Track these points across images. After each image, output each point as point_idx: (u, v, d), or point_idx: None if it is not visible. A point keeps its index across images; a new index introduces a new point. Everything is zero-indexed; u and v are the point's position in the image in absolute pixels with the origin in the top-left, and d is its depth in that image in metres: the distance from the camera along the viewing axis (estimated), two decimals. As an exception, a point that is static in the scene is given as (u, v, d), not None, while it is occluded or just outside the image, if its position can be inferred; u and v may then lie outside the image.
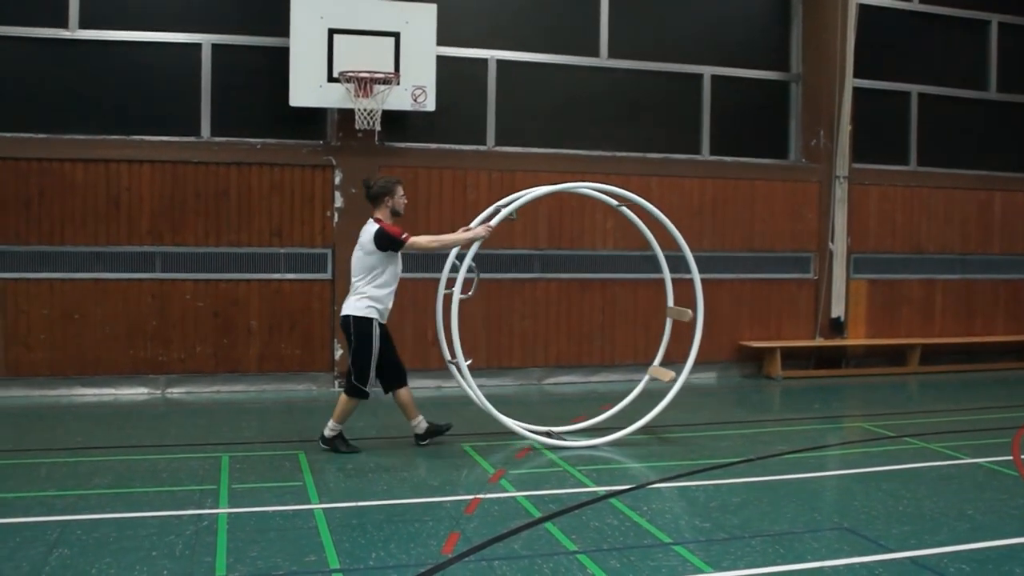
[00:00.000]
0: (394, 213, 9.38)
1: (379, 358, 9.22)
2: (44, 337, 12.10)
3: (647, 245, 13.67)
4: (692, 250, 13.89)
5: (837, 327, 14.78)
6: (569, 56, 13.99)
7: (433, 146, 13.21)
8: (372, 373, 9.22)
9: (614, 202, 10.48)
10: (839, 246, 14.71)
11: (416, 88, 12.51)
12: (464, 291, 9.53)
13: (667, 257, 10.85)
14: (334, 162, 12.75)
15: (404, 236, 9.11)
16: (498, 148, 13.56)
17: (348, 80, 12.15)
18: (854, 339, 14.99)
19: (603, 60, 14.10)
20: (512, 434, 9.73)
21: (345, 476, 8.45)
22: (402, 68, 12.42)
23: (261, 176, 12.52)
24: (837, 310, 14.77)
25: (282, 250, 12.62)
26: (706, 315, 13.98)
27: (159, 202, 12.31)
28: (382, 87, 12.21)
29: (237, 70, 12.82)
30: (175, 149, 12.43)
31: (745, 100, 14.88)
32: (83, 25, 12.38)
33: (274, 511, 7.39)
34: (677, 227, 13.84)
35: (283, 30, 12.36)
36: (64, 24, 12.33)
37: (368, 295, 9.12)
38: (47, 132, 12.15)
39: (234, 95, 12.79)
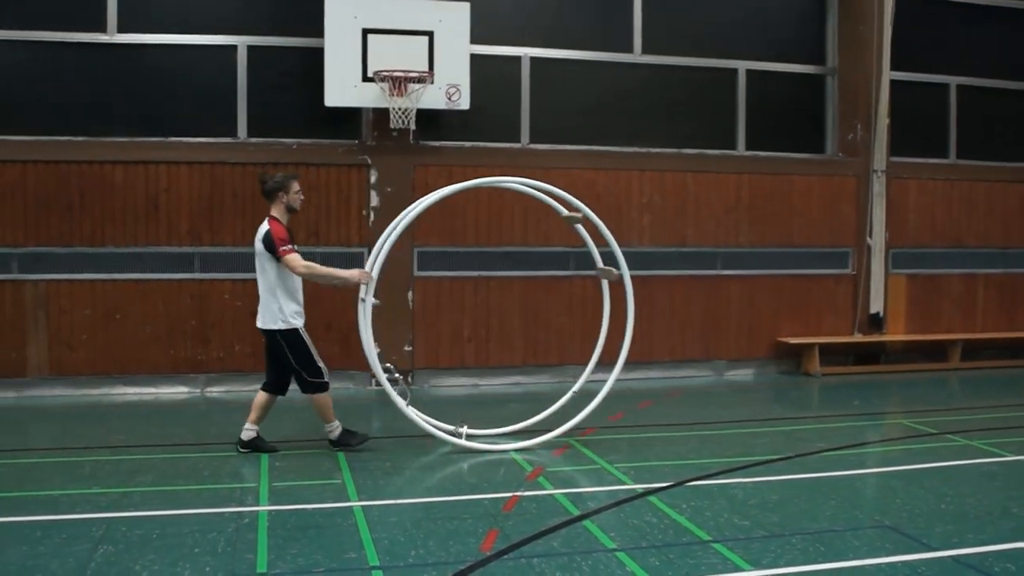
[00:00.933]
0: (289, 209, 9.21)
1: (277, 360, 9.16)
2: (86, 337, 12.24)
3: (685, 241, 13.75)
4: (728, 246, 14.01)
5: (876, 323, 14.66)
6: (603, 52, 13.96)
7: (467, 144, 13.23)
8: (320, 363, 9.16)
9: (540, 196, 10.08)
10: (877, 241, 14.60)
11: (450, 87, 12.54)
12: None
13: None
14: (369, 161, 12.81)
15: (283, 250, 8.89)
16: (532, 146, 13.56)
17: (382, 79, 12.19)
18: (893, 335, 14.87)
19: (637, 56, 14.06)
20: (548, 431, 9.72)
21: (383, 474, 8.48)
22: (436, 67, 12.45)
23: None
24: (876, 305, 14.66)
25: (319, 249, 12.66)
26: (743, 311, 14.11)
27: (197, 203, 12.41)
28: (416, 86, 12.24)
29: (272, 71, 12.90)
30: (212, 150, 12.53)
31: (781, 94, 14.78)
32: (121, 29, 12.50)
33: (314, 509, 7.44)
34: (713, 223, 13.93)
35: (317, 31, 12.42)
36: (102, 28, 12.46)
37: (279, 303, 8.97)
38: (87, 135, 12.30)
39: (270, 96, 12.88)
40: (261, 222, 12.19)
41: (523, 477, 8.36)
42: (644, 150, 13.90)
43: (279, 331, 8.99)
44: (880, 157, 14.53)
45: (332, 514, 7.33)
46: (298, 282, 9.12)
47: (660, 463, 8.94)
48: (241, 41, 12.80)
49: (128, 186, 12.27)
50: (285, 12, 12.97)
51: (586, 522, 7.07)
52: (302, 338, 9.07)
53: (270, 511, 7.37)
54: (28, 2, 12.38)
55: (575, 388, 10.02)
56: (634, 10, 13.98)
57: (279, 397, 9.37)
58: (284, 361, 9.10)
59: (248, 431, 9.21)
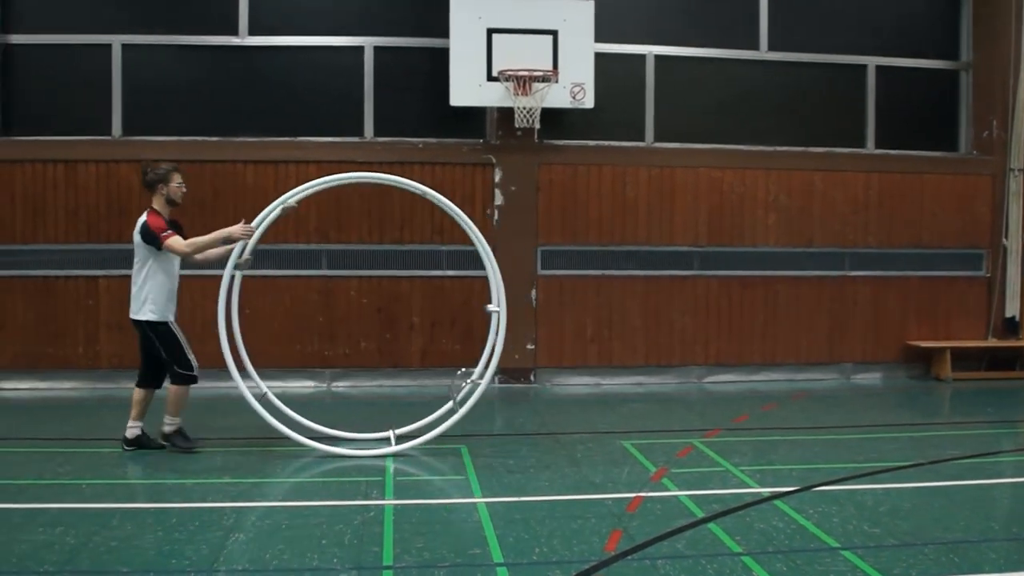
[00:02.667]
0: (170, 202, 9.06)
1: (149, 353, 9.07)
2: (216, 331, 12.52)
3: (811, 241, 13.52)
4: (856, 246, 13.72)
5: (1012, 327, 14.19)
6: (728, 50, 13.80)
7: (592, 143, 13.22)
8: (191, 356, 9.06)
9: (411, 187, 9.68)
10: (1014, 242, 14.12)
11: (575, 85, 12.54)
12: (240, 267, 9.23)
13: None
14: (494, 160, 12.89)
15: (164, 235, 8.76)
16: (657, 144, 13.48)
17: (507, 79, 12.26)
18: (1030, 339, 14.40)
19: (763, 53, 13.86)
20: (671, 432, 9.66)
21: (507, 471, 8.51)
22: (560, 66, 12.47)
23: (423, 175, 12.69)
24: (1012, 309, 14.19)
25: (443, 247, 12.81)
26: (871, 313, 13.80)
27: (325, 201, 12.64)
28: (541, 85, 12.27)
29: (398, 71, 13.10)
30: (340, 149, 12.77)
31: (912, 91, 14.40)
32: (252, 32, 12.83)
33: (438, 504, 7.53)
34: (840, 222, 13.66)
35: (443, 31, 12.55)
36: (234, 31, 12.80)
37: (151, 295, 8.90)
38: (220, 135, 12.66)
39: (396, 96, 13.08)
40: (386, 221, 12.43)
41: (647, 478, 8.31)
42: (770, 148, 13.71)
43: (148, 322, 8.91)
44: (1017, 155, 14.06)
45: (456, 509, 7.40)
46: (171, 275, 9.02)
47: (786, 467, 8.78)
48: (368, 42, 13.00)
49: (258, 185, 12.56)
50: (411, 13, 13.15)
51: (711, 525, 6.99)
52: (172, 331, 8.99)
53: (395, 505, 7.45)
54: (163, 7, 12.81)
55: (459, 396, 9.45)
56: (760, 6, 13.79)
57: (150, 388, 9.25)
58: (156, 353, 9.04)
59: (131, 429, 9.13)
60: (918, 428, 10.91)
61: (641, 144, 13.47)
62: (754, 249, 13.51)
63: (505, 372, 12.95)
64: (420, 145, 12.87)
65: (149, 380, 9.23)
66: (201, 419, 10.90)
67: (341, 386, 12.75)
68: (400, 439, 9.32)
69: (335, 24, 13.05)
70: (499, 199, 12.87)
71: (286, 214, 9.45)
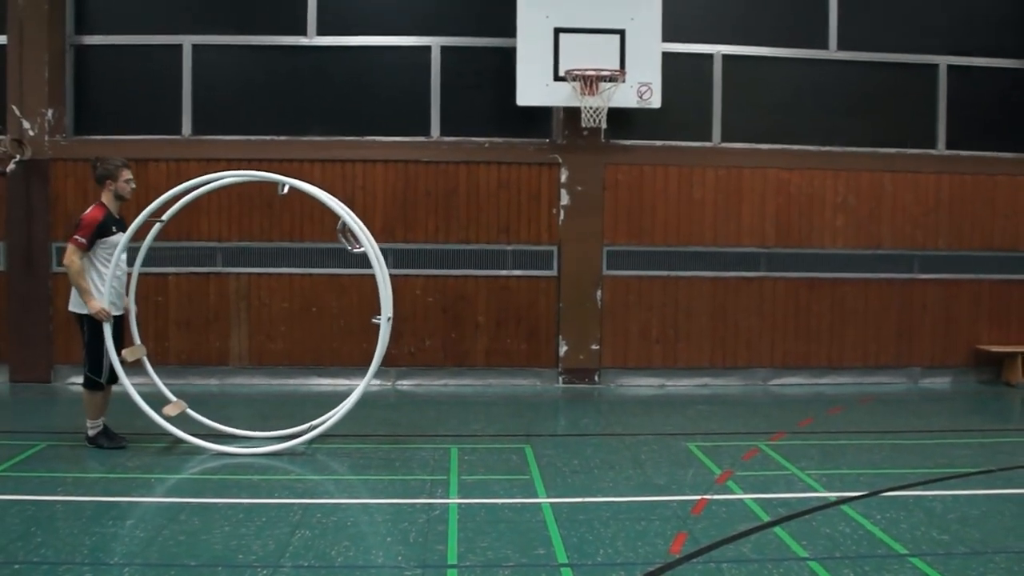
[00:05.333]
0: (118, 197, 9.04)
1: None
2: (284, 329, 12.72)
3: (880, 243, 13.34)
4: (926, 249, 13.52)
5: (1085, 331, 13.93)
6: (797, 49, 13.64)
7: (658, 143, 13.16)
8: (106, 364, 8.90)
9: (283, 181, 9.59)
10: (1090, 245, 13.84)
11: (641, 85, 12.50)
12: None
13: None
14: (560, 160, 12.88)
15: (75, 238, 8.76)
16: (724, 144, 13.38)
17: (574, 78, 12.25)
18: (1105, 344, 14.08)
19: (832, 52, 13.69)
20: (736, 434, 9.60)
21: (571, 472, 8.52)
22: (627, 65, 12.43)
23: (489, 174, 12.79)
24: (1086, 313, 13.91)
25: (509, 247, 12.84)
26: (940, 317, 13.59)
27: (391, 200, 12.74)
28: (607, 84, 12.24)
29: (465, 71, 13.14)
30: (407, 149, 12.85)
31: (984, 90, 14.13)
32: (320, 32, 12.96)
33: (502, 503, 7.54)
34: (910, 224, 13.47)
35: (509, 30, 12.56)
36: (303, 31, 12.93)
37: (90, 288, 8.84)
38: (288, 134, 12.80)
39: (462, 95, 13.11)
40: (451, 220, 12.50)
41: (712, 480, 8.27)
42: (839, 149, 13.54)
43: (82, 314, 8.87)
44: (1094, 155, 13.78)
45: (521, 509, 7.41)
46: (112, 272, 8.90)
47: (852, 471, 8.69)
48: (435, 42, 13.06)
49: (326, 184, 12.59)
50: (478, 13, 13.19)
51: (777, 529, 6.95)
52: (100, 328, 8.86)
53: (460, 504, 7.50)
54: (233, 8, 13.01)
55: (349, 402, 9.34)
56: (829, 4, 13.61)
57: (113, 386, 9.19)
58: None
59: (91, 428, 9.11)
60: (988, 434, 10.73)
61: (708, 144, 13.38)
62: (822, 251, 13.36)
63: (569, 372, 12.95)
64: (486, 144, 12.90)
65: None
66: (272, 413, 11.06)
67: (406, 384, 12.83)
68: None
69: (402, 24, 13.12)
70: (565, 199, 12.86)
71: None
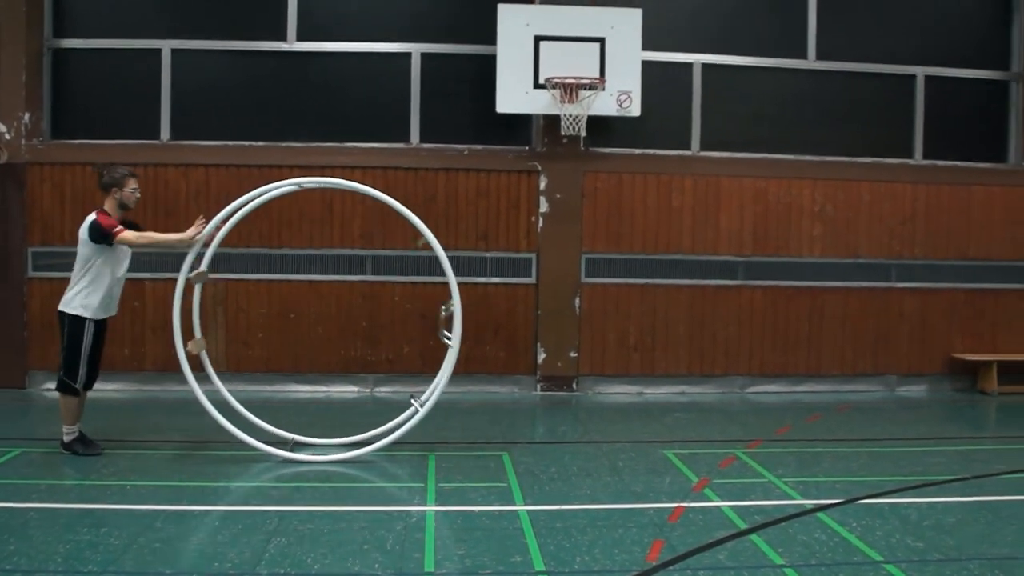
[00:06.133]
0: (122, 206, 9.06)
1: (90, 355, 8.98)
2: (262, 335, 12.68)
3: (857, 252, 13.41)
4: (903, 258, 13.60)
5: (1060, 340, 14.03)
6: (776, 59, 13.72)
7: (638, 151, 13.20)
8: (82, 370, 8.90)
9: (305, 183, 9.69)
10: (1063, 255, 13.96)
11: (621, 93, 12.52)
12: (196, 279, 9.31)
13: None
14: (539, 168, 12.89)
15: (116, 230, 8.81)
16: (703, 153, 13.42)
17: (554, 86, 12.27)
18: (1079, 353, 14.19)
19: (811, 62, 13.77)
20: (713, 442, 9.63)
21: (549, 479, 8.52)
22: (607, 73, 12.45)
23: (468, 181, 12.79)
24: (1061, 322, 14.02)
25: (488, 254, 12.84)
26: (916, 325, 13.67)
27: (370, 206, 12.68)
28: (587, 93, 12.27)
29: (445, 78, 13.14)
30: (386, 155, 12.83)
31: (961, 101, 14.23)
32: (300, 38, 12.94)
33: (480, 511, 7.55)
34: (887, 234, 13.55)
35: (490, 38, 12.57)
36: (282, 37, 12.90)
37: (81, 291, 8.89)
38: (267, 140, 12.77)
39: (442, 102, 13.12)
40: (430, 227, 12.42)
41: (689, 488, 8.29)
42: (817, 158, 13.60)
43: (68, 314, 8.88)
44: (1067, 167, 13.90)
45: (498, 517, 7.41)
46: (116, 277, 9.04)
47: (829, 479, 8.72)
48: (415, 48, 13.06)
49: (304, 190, 12.61)
50: (458, 20, 13.20)
51: (753, 536, 6.97)
52: (83, 333, 8.90)
53: (437, 511, 7.50)
54: (214, 13, 12.95)
55: (428, 404, 9.49)
56: (808, 15, 13.69)
57: (88, 393, 9.22)
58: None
59: (67, 434, 9.07)
60: (963, 442, 10.81)
61: (687, 153, 13.42)
62: (799, 259, 13.42)
63: (547, 380, 12.96)
64: (466, 151, 12.90)
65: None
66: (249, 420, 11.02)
67: (384, 391, 12.80)
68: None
69: (383, 30, 13.11)
70: (544, 206, 12.88)
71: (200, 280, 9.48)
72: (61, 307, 9.00)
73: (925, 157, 14.01)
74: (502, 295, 12.92)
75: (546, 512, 7.55)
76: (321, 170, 12.56)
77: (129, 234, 8.91)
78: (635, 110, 12.59)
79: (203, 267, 9.41)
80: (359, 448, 9.25)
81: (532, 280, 12.95)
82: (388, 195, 12.59)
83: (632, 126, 13.00)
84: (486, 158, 12.89)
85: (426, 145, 13.00)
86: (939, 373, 13.85)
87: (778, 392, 13.37)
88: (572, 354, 12.92)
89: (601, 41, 12.52)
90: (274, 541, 6.65)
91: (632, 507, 7.75)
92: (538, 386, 12.92)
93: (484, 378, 12.90)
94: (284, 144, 12.76)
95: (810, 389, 13.42)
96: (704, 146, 13.46)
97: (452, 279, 9.54)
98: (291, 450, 9.22)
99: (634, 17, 12.63)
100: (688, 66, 13.48)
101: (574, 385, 13.02)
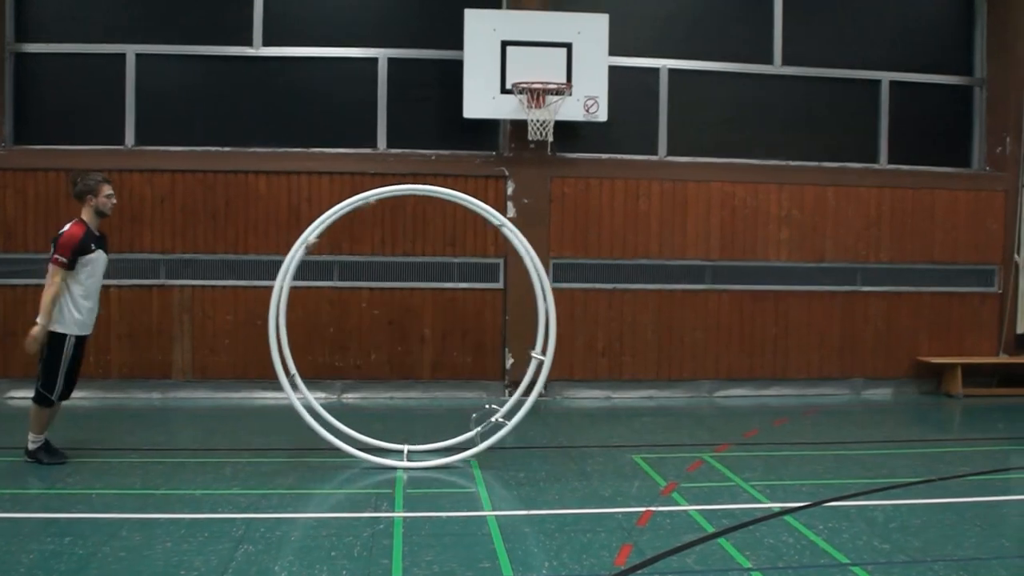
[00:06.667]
0: (99, 213, 8.93)
1: (69, 368, 8.90)
2: (228, 342, 12.60)
3: (823, 256, 13.49)
4: (868, 262, 13.69)
5: (1023, 343, 14.14)
6: (742, 64, 13.79)
7: (605, 156, 13.22)
8: (60, 383, 8.82)
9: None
10: (1026, 258, 14.10)
11: (588, 98, 12.55)
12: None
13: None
14: (507, 173, 12.89)
15: (55, 258, 8.63)
16: (670, 158, 13.47)
17: (521, 91, 12.28)
18: (1041, 356, 14.33)
19: (777, 67, 13.85)
20: (681, 446, 9.66)
21: (517, 484, 8.52)
22: (574, 78, 12.48)
23: (435, 186, 12.74)
24: (1023, 326, 14.14)
25: (456, 260, 12.82)
26: (882, 329, 13.77)
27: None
28: (554, 98, 12.29)
29: (412, 83, 13.11)
30: (353, 161, 12.79)
31: (925, 106, 14.37)
32: (266, 43, 12.88)
33: (448, 517, 7.53)
34: (853, 237, 13.65)
35: (457, 43, 12.56)
36: (248, 42, 12.84)
37: (61, 304, 8.74)
38: (233, 146, 12.69)
39: (409, 108, 13.10)
40: (398, 232, 12.42)
41: (657, 492, 8.30)
42: (783, 163, 13.69)
43: (50, 330, 8.75)
44: (1030, 171, 14.05)
45: (466, 523, 7.40)
46: (88, 290, 8.87)
47: (796, 482, 8.76)
48: (382, 54, 13.03)
49: (271, 195, 12.60)
50: (425, 25, 13.18)
51: (721, 540, 6.99)
52: (63, 347, 8.80)
53: (405, 517, 7.47)
54: (178, 18, 12.85)
55: (504, 409, 9.62)
56: (774, 21, 13.78)
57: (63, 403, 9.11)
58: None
59: (31, 442, 8.96)
60: (929, 444, 10.89)
61: (654, 158, 13.46)
62: (766, 264, 13.48)
63: (516, 385, 12.90)
64: (433, 157, 12.89)
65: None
66: (216, 427, 10.96)
67: (352, 397, 12.75)
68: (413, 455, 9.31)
69: (349, 35, 13.08)
70: (511, 212, 12.87)
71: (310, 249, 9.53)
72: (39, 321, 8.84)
73: (890, 162, 14.12)
74: (470, 300, 12.91)
75: (514, 517, 7.55)
76: (288, 176, 12.58)
77: (53, 273, 8.68)
78: (602, 115, 12.61)
79: (314, 237, 9.41)
80: (449, 455, 9.32)
81: (500, 285, 12.95)
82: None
83: (599, 131, 13.03)
84: (453, 163, 12.88)
85: (393, 151, 12.97)
86: (905, 376, 13.96)
87: (745, 396, 13.43)
88: (540, 357, 12.89)
89: (568, 46, 12.54)
90: (241, 548, 6.61)
91: (600, 511, 7.75)
92: (506, 391, 12.90)
93: (452, 384, 12.89)
94: (250, 150, 12.70)
95: (777, 393, 13.49)
96: (671, 151, 13.51)
97: (547, 286, 9.75)
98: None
99: (601, 22, 12.65)
100: (655, 71, 13.53)
101: (543, 390, 13.00)
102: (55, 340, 8.80)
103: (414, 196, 12.63)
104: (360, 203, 9.35)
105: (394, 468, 9.02)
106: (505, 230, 9.40)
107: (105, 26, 12.83)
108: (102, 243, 9.03)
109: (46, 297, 8.68)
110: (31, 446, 8.93)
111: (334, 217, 9.36)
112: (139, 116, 12.76)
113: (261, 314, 12.48)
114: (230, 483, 8.41)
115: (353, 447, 9.24)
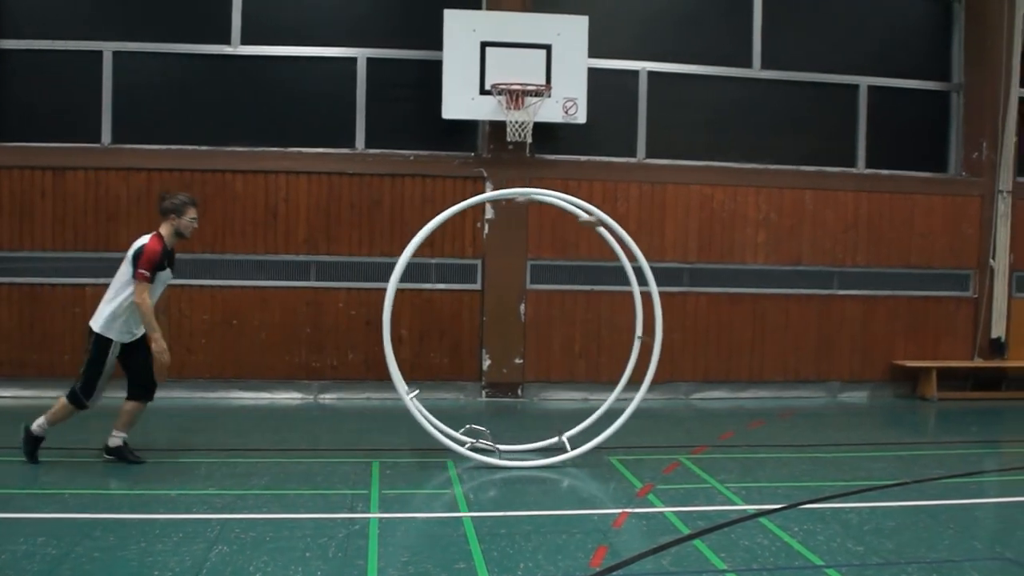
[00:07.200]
0: (178, 234, 8.92)
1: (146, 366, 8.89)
2: (205, 342, 12.54)
3: (800, 259, 13.53)
4: (845, 265, 13.76)
5: (998, 348, 14.23)
6: (721, 67, 13.83)
7: (583, 158, 13.23)
8: (98, 391, 8.79)
9: (584, 215, 9.78)
10: (1001, 263, 14.17)
11: (567, 100, 12.55)
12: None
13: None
14: (485, 174, 12.89)
15: (140, 272, 8.53)
16: (649, 160, 13.50)
17: (500, 92, 12.27)
18: (1015, 360, 14.38)
19: (756, 71, 13.90)
20: (658, 448, 9.67)
21: (492, 485, 8.50)
22: (553, 80, 12.47)
23: (414, 187, 12.75)
24: (998, 330, 14.23)
25: (433, 260, 12.80)
26: (858, 332, 13.82)
27: (315, 212, 12.64)
28: (533, 99, 12.29)
29: (391, 83, 13.10)
30: (331, 161, 12.76)
31: (903, 111, 14.45)
32: (245, 41, 12.83)
33: (424, 518, 7.53)
34: (830, 241, 13.70)
35: (436, 43, 12.55)
36: (227, 41, 12.79)
37: (115, 310, 8.67)
38: (211, 144, 12.63)
39: (388, 108, 13.08)
40: (376, 233, 12.38)
41: (633, 493, 8.30)
42: (762, 166, 13.73)
43: (97, 333, 8.70)
44: (1006, 177, 14.11)
45: (442, 523, 7.39)
46: (152, 298, 8.79)
47: (772, 484, 8.77)
48: (361, 53, 13.00)
49: (248, 195, 12.55)
50: (404, 25, 13.16)
51: (696, 541, 6.98)
52: (106, 355, 8.73)
53: (381, 518, 7.43)
54: (156, 15, 12.78)
55: (602, 409, 9.93)
56: (754, 24, 13.83)
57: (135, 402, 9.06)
58: (130, 364, 8.91)
59: (111, 439, 8.99)
60: (903, 447, 10.93)
61: (632, 160, 13.49)
62: (743, 266, 13.52)
63: (493, 386, 12.95)
64: (411, 157, 12.87)
65: (135, 393, 9.02)
66: (192, 427, 10.90)
67: (328, 398, 12.71)
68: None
69: (328, 35, 13.03)
70: (490, 213, 12.87)
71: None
72: (94, 324, 8.78)
73: (868, 166, 14.19)
74: (447, 301, 12.89)
75: (490, 519, 7.51)
76: (265, 175, 12.54)
77: (141, 288, 8.59)
78: (581, 117, 12.62)
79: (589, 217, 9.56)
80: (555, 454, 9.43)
81: (477, 286, 12.94)
82: (333, 201, 12.69)
83: (578, 133, 13.03)
84: (432, 164, 12.86)
85: (372, 151, 12.94)
86: (880, 379, 14.04)
87: (722, 398, 13.46)
88: (517, 360, 12.91)
89: (547, 48, 12.54)
90: (215, 549, 6.56)
91: (576, 513, 7.76)
92: (483, 392, 12.90)
93: (429, 384, 12.82)
94: (228, 149, 12.64)
95: (753, 395, 13.53)
96: (650, 153, 13.53)
97: (654, 290, 9.70)
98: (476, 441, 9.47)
99: (580, 24, 12.66)
100: (634, 74, 13.55)
101: (519, 391, 13.01)
102: (101, 344, 8.71)
103: (387, 197, 12.73)
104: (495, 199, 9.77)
105: (497, 466, 9.14)
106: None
107: (82, 23, 12.73)
108: (172, 260, 8.98)
109: (146, 314, 8.58)
110: (34, 428, 8.83)
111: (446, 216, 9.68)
112: (116, 114, 12.67)
113: (238, 314, 12.53)
114: (205, 483, 8.36)
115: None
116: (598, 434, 9.46)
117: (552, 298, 13.08)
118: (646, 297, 9.61)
